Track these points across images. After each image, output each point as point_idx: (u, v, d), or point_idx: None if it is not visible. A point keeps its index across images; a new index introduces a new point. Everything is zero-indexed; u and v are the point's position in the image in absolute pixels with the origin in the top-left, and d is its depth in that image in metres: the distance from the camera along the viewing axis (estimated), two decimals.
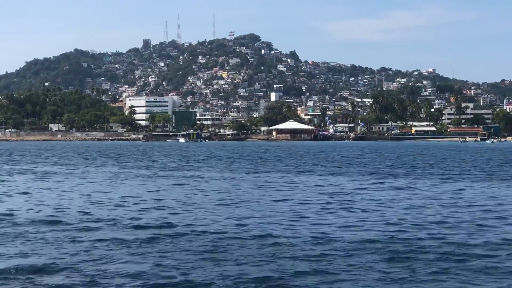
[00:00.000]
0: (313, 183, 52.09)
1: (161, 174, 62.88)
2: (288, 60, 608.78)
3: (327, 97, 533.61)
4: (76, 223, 28.20)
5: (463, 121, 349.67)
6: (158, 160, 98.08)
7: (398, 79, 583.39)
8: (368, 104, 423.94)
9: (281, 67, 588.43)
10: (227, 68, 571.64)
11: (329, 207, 34.93)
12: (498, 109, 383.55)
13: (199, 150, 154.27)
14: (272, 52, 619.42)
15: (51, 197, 40.11)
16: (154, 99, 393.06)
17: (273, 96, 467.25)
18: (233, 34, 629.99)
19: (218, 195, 41.46)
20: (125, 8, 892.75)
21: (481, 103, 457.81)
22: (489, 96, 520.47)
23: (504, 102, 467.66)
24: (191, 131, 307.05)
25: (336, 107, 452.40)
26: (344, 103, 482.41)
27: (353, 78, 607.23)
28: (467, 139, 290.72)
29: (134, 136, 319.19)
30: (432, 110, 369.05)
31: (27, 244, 23.08)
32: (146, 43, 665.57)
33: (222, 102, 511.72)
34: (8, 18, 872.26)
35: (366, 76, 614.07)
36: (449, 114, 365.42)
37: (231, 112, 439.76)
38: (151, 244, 23.24)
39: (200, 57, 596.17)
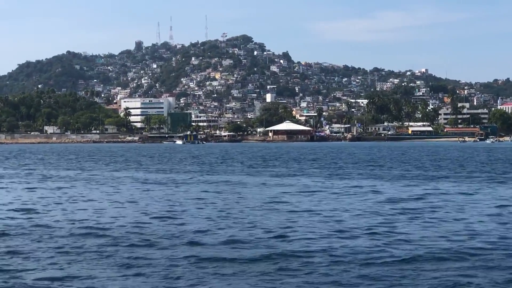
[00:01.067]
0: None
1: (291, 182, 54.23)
2: (281, 61, 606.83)
3: (320, 97, 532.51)
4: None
5: (459, 121, 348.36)
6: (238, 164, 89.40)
7: (391, 80, 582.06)
8: (362, 104, 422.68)
9: (274, 68, 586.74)
10: (220, 69, 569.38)
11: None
12: (494, 109, 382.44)
13: (227, 152, 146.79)
14: (265, 53, 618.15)
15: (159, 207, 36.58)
16: (149, 101, 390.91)
17: (268, 97, 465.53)
18: (226, 36, 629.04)
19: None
20: (117, 10, 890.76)
21: (475, 103, 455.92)
22: (482, 95, 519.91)
23: (498, 101, 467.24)
24: (188, 132, 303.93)
25: (330, 108, 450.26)
26: (337, 104, 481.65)
27: (346, 79, 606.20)
28: (466, 139, 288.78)
29: (129, 138, 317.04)
30: (428, 110, 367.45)
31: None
32: (139, 44, 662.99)
33: (216, 104, 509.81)
34: (0, 20, 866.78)
35: (359, 77, 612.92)
36: (445, 114, 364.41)
37: (226, 113, 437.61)
38: None
39: (193, 58, 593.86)
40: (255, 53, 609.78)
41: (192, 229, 27.42)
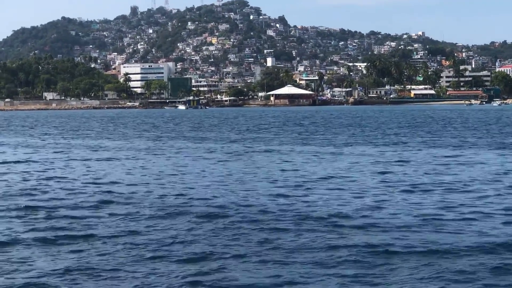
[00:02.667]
0: None
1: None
2: (277, 25, 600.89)
3: (317, 61, 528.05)
4: None
5: (461, 83, 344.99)
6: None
7: (387, 43, 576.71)
8: (360, 68, 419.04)
9: (270, 32, 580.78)
10: (217, 34, 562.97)
11: None
12: (497, 71, 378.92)
13: (259, 118, 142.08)
14: (261, 17, 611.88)
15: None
16: (149, 66, 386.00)
17: (269, 61, 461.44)
18: (222, 0, 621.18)
19: None
20: None
21: (473, 66, 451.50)
22: (480, 58, 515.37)
23: (497, 64, 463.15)
24: (191, 97, 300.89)
25: (328, 72, 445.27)
26: (335, 68, 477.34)
27: (342, 43, 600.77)
28: (473, 101, 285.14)
29: (130, 103, 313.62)
30: (430, 73, 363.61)
31: None
32: (134, 10, 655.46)
33: (213, 68, 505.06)
34: None
35: (355, 40, 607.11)
36: (447, 77, 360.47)
37: (226, 78, 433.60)
38: None
39: (189, 23, 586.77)
40: (251, 17, 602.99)
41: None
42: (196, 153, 49.58)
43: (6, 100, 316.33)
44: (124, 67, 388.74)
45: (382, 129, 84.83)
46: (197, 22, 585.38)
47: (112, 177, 34.44)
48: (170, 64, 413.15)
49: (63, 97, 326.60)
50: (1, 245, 18.35)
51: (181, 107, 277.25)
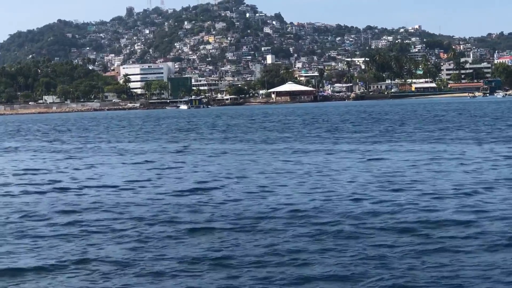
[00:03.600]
0: None
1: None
2: (274, 22, 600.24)
3: (315, 58, 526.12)
4: None
5: (462, 76, 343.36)
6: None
7: (384, 37, 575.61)
8: (358, 63, 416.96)
9: (267, 30, 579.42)
10: (214, 33, 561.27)
11: None
12: (497, 62, 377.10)
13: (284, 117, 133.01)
14: (257, 15, 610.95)
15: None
16: (148, 67, 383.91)
17: (269, 59, 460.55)
18: None
19: None
20: None
21: (471, 58, 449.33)
22: (478, 50, 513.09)
23: (495, 55, 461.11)
24: (193, 97, 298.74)
25: (327, 68, 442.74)
26: (333, 63, 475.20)
27: (339, 38, 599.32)
28: (476, 94, 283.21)
29: (130, 105, 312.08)
30: (430, 66, 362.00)
31: None
32: (130, 10, 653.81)
33: (211, 67, 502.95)
34: None
35: (352, 35, 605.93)
36: (447, 69, 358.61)
37: (226, 76, 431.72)
38: None
39: (185, 23, 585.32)
40: (247, 15, 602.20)
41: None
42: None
43: (6, 104, 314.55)
44: (123, 68, 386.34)
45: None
46: (193, 22, 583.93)
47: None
48: (170, 64, 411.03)
49: (63, 100, 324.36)
50: None
51: (183, 107, 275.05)
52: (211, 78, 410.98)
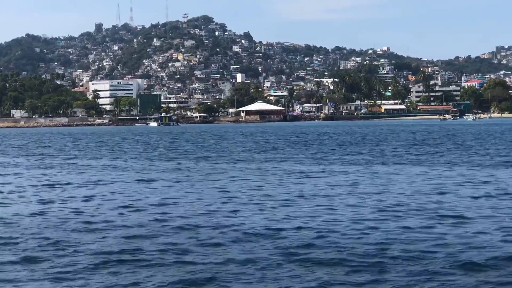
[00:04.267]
0: None
1: None
2: (243, 41, 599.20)
3: (284, 77, 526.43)
4: None
5: (432, 98, 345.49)
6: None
7: (353, 58, 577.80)
8: (327, 83, 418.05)
9: (236, 48, 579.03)
10: (182, 50, 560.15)
11: None
12: (463, 85, 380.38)
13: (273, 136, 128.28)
14: (226, 33, 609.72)
15: None
16: (118, 83, 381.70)
17: (239, 77, 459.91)
18: (187, 16, 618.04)
19: None
20: None
21: (439, 80, 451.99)
22: (446, 73, 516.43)
23: (463, 78, 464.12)
24: (163, 114, 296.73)
25: (295, 87, 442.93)
26: (302, 83, 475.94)
27: (307, 58, 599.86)
28: (447, 116, 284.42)
29: (99, 121, 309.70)
30: (399, 88, 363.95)
31: None
32: (99, 26, 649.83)
33: (179, 85, 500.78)
34: None
35: (321, 56, 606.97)
36: (417, 91, 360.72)
37: (195, 94, 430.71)
38: None
39: (154, 40, 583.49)
40: (217, 33, 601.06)
41: None
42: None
43: None
44: (92, 84, 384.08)
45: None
46: (162, 39, 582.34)
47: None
48: (139, 80, 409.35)
49: (31, 115, 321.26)
50: None
51: (153, 124, 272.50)
52: (180, 95, 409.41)
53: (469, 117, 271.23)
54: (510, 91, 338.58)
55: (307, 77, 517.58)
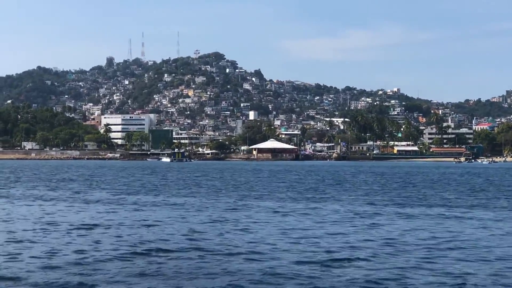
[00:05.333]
0: None
1: None
2: (253, 78, 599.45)
3: (294, 116, 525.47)
4: None
5: (444, 140, 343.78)
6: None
7: (363, 99, 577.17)
8: (337, 123, 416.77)
9: (246, 86, 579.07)
10: (193, 86, 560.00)
11: None
12: (473, 128, 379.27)
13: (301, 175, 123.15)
14: (237, 70, 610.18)
15: None
16: (130, 117, 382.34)
17: (251, 115, 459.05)
18: (198, 52, 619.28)
19: None
20: (88, 25, 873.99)
21: (450, 123, 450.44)
22: (457, 115, 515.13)
23: (473, 122, 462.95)
24: (176, 150, 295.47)
25: (306, 126, 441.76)
26: (312, 122, 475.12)
27: (317, 97, 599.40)
28: (462, 159, 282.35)
29: (110, 155, 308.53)
30: (412, 129, 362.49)
31: None
32: (110, 61, 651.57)
33: (189, 121, 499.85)
34: None
35: (331, 95, 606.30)
36: (430, 133, 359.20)
37: (207, 131, 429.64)
38: None
39: (165, 75, 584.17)
40: (227, 70, 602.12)
41: None
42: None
43: None
44: (104, 117, 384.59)
45: None
46: (173, 74, 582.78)
47: None
48: (152, 115, 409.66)
49: (42, 147, 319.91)
50: None
51: (166, 159, 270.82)
52: (191, 131, 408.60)
53: (484, 160, 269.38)
54: None
55: (317, 116, 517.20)
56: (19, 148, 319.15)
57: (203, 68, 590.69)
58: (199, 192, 68.79)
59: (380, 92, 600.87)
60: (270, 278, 22.08)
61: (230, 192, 69.77)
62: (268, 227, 36.49)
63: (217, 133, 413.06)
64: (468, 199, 60.67)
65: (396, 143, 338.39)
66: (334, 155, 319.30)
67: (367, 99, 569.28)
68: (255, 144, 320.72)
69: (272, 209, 47.17)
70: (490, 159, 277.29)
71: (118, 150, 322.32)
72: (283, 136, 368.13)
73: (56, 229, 34.51)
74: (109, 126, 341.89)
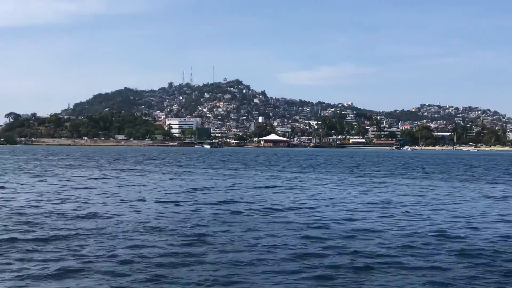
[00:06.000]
0: None
1: None
2: (260, 96, 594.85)
3: (285, 119, 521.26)
4: None
5: (382, 136, 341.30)
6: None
7: (329, 109, 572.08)
8: (313, 124, 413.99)
9: (256, 101, 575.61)
10: (222, 101, 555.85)
11: None
12: (400, 128, 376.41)
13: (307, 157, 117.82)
14: (250, 91, 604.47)
15: None
16: (184, 120, 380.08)
17: (260, 119, 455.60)
18: (226, 79, 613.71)
19: None
20: (157, 60, 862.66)
21: (385, 124, 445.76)
22: (389, 120, 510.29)
23: (399, 124, 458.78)
24: (213, 140, 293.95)
25: (293, 126, 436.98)
26: (297, 124, 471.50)
27: (300, 108, 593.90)
28: (394, 148, 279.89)
29: (171, 143, 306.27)
30: (360, 128, 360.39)
31: None
32: (170, 84, 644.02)
33: (220, 122, 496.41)
34: (78, 66, 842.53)
35: (308, 107, 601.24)
36: (372, 131, 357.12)
37: (232, 128, 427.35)
38: None
39: (205, 94, 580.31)
40: (244, 91, 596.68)
41: None
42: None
43: (91, 139, 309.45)
44: (167, 120, 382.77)
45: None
46: (210, 93, 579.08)
47: None
48: (197, 119, 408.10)
49: (128, 138, 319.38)
50: None
51: (206, 146, 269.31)
52: (222, 129, 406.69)
53: (408, 149, 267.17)
54: (432, 133, 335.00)
55: (300, 120, 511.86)
56: (113, 139, 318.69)
57: (228, 89, 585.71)
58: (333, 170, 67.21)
59: (340, 105, 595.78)
60: None
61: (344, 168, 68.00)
62: None
63: (238, 130, 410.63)
64: (403, 170, 59.74)
65: (350, 137, 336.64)
66: (312, 144, 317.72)
67: (332, 109, 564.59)
68: (262, 137, 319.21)
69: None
70: (412, 148, 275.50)
71: (176, 140, 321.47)
72: (279, 132, 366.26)
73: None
74: (170, 125, 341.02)
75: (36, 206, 23.58)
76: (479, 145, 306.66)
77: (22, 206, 23.39)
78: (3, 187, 32.94)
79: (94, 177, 43.65)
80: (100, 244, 15.32)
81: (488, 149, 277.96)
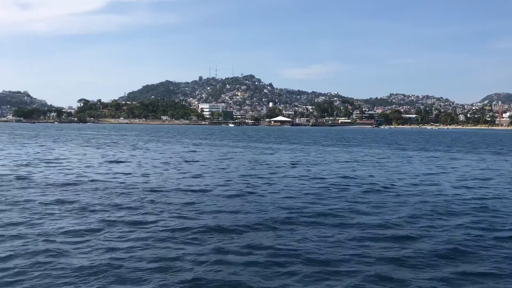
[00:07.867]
0: None
1: None
2: (269, 87, 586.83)
3: (287, 105, 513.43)
4: None
5: (363, 117, 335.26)
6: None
7: (321, 97, 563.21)
8: (310, 109, 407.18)
9: (265, 91, 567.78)
10: (240, 91, 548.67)
11: None
12: (379, 112, 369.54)
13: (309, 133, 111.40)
14: (261, 83, 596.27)
15: None
16: (212, 105, 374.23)
17: (270, 104, 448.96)
18: (242, 74, 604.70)
19: None
20: (191, 59, 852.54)
21: (365, 108, 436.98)
22: (366, 105, 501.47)
23: (375, 108, 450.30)
24: (236, 120, 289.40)
25: (295, 110, 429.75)
26: (297, 108, 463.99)
27: (299, 96, 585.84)
28: (374, 126, 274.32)
29: (203, 123, 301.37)
30: (347, 111, 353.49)
31: None
32: (200, 77, 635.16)
33: (238, 107, 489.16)
34: (131, 64, 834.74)
35: (305, 95, 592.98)
36: (356, 114, 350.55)
37: (248, 112, 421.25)
38: None
39: (227, 85, 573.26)
40: (256, 83, 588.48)
41: None
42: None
43: (142, 119, 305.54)
44: (200, 105, 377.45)
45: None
46: (231, 84, 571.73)
47: None
48: (223, 104, 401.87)
49: (170, 119, 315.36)
50: None
51: (231, 125, 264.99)
52: (240, 112, 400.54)
53: (385, 127, 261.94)
54: (402, 115, 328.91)
55: (299, 105, 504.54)
56: (159, 119, 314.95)
57: (244, 82, 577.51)
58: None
59: (329, 94, 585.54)
60: None
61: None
62: None
63: (253, 113, 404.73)
64: (388, 141, 55.78)
65: (339, 118, 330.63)
66: (310, 124, 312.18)
67: (322, 97, 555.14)
68: (271, 118, 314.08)
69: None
70: (387, 127, 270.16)
71: (207, 120, 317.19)
72: (285, 114, 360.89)
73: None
74: (202, 109, 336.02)
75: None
76: (437, 124, 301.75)
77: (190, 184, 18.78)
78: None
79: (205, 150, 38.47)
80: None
81: (445, 127, 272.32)
